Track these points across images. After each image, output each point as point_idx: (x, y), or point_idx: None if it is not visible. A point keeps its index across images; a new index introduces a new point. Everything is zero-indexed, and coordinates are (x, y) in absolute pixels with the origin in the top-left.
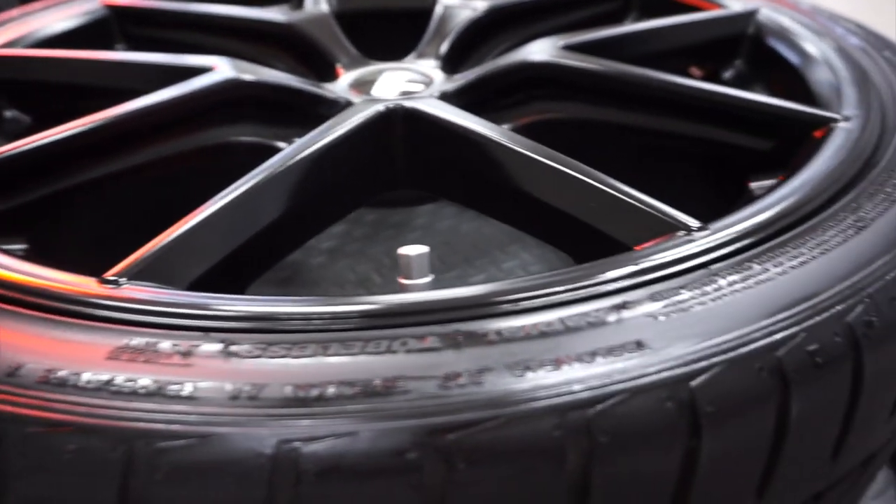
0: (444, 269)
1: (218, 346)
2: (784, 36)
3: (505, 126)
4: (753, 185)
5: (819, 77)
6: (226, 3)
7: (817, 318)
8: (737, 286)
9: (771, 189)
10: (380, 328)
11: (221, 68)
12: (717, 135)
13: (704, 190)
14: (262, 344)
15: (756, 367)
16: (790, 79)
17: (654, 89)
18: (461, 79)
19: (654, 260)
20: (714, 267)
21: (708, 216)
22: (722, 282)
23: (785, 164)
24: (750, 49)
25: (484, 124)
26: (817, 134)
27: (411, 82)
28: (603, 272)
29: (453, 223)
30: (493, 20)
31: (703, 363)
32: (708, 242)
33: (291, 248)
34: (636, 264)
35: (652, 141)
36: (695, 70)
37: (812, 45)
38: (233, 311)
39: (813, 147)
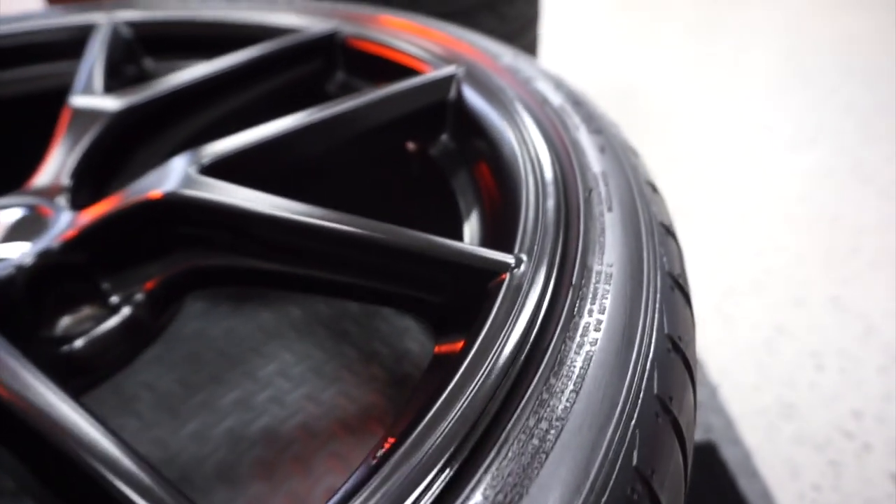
0: (186, 394)
1: None
2: (481, 106)
3: (140, 286)
4: (440, 350)
5: (506, 170)
6: None
7: None
8: None
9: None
10: None
11: None
12: (385, 285)
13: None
14: None
15: None
16: (487, 160)
17: (298, 230)
18: (74, 227)
19: None
20: None
21: None
22: None
23: (467, 322)
24: (453, 120)
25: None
26: (493, 284)
27: (12, 232)
28: None
29: (200, 325)
30: (149, 114)
31: None
32: None
33: None
34: None
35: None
36: (410, 145)
37: (502, 122)
38: None
39: (485, 307)
